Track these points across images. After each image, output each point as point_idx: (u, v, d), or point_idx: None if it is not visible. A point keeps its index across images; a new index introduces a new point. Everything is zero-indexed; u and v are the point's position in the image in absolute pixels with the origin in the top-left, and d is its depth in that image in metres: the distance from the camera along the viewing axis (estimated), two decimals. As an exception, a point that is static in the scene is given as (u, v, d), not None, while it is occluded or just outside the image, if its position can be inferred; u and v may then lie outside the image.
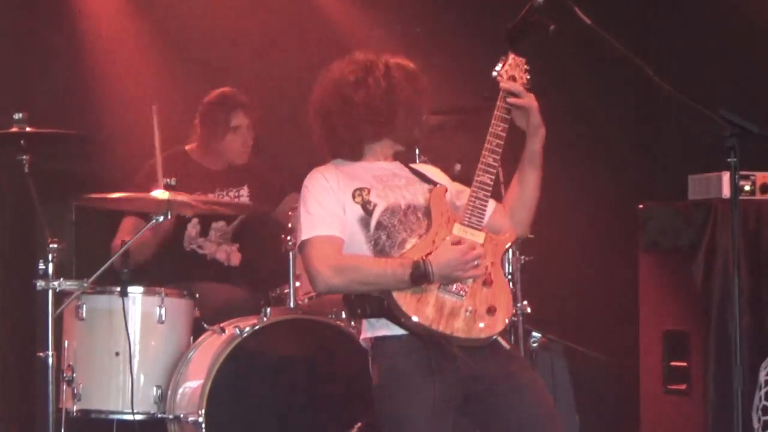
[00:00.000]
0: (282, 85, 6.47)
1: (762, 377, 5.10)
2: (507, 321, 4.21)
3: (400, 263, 4.14)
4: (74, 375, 5.28)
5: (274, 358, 5.24)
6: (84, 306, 5.32)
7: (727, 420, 4.50)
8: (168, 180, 5.21)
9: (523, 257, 5.79)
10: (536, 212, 4.41)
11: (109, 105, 6.48)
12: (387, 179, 4.35)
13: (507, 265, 5.74)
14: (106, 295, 5.32)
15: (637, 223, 6.22)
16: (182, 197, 5.28)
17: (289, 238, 5.42)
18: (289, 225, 5.47)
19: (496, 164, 4.27)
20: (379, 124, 4.34)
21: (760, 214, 5.90)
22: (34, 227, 5.89)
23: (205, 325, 5.41)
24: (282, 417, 5.20)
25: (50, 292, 5.08)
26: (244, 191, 6.05)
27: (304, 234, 4.26)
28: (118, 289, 5.25)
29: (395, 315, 4.13)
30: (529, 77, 4.38)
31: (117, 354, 5.30)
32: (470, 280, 4.17)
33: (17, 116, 5.24)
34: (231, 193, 6.00)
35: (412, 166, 4.48)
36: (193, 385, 5.23)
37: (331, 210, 4.25)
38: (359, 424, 5.08)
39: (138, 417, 5.26)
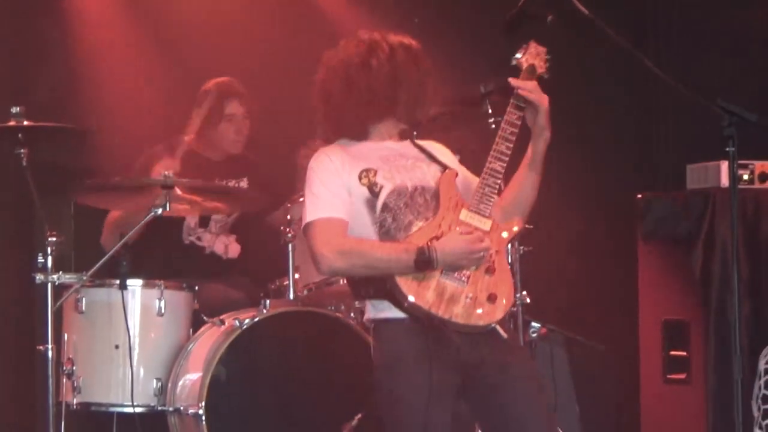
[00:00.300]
0: (280, 80, 6.45)
1: (761, 366, 5.10)
2: (507, 310, 4.20)
3: (404, 249, 4.12)
4: (74, 368, 5.28)
5: (274, 350, 5.24)
6: (83, 299, 5.32)
7: (727, 409, 4.49)
8: (166, 173, 5.19)
9: (522, 248, 5.77)
10: (531, 210, 4.39)
11: (107, 98, 6.47)
12: (393, 159, 4.32)
13: (507, 255, 5.74)
14: (105, 288, 5.32)
15: (636, 212, 6.23)
16: (186, 196, 5.27)
17: (288, 229, 5.42)
18: (288, 216, 5.47)
19: (508, 152, 4.24)
20: (382, 106, 4.31)
21: (758, 202, 5.91)
22: (32, 221, 5.87)
23: (204, 318, 5.41)
24: (282, 408, 5.21)
25: (49, 285, 5.06)
26: (244, 183, 6.05)
27: (309, 216, 4.24)
28: (118, 282, 5.24)
29: (396, 297, 4.12)
30: (549, 66, 4.37)
31: (117, 347, 5.30)
32: (473, 267, 4.16)
33: (15, 110, 5.22)
34: (231, 184, 6.00)
35: (419, 143, 4.45)
36: (193, 377, 5.23)
37: (336, 192, 4.23)
38: (359, 415, 5.09)
39: (138, 410, 5.26)
